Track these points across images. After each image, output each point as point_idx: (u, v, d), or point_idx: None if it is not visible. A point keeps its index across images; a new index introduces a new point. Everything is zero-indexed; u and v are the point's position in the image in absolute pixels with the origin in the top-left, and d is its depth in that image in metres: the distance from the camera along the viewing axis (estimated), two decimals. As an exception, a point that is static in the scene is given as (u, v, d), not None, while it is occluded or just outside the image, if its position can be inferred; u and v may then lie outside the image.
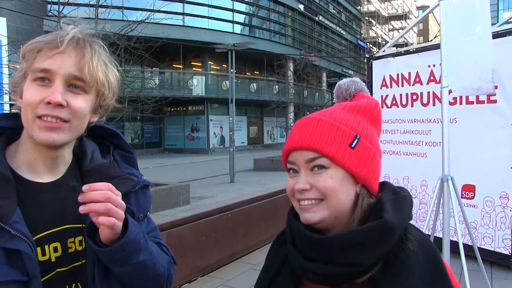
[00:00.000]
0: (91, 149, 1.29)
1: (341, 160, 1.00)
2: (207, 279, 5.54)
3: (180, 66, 32.71)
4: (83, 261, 1.18)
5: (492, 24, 3.95)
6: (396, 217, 0.97)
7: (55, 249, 1.14)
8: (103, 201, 1.04)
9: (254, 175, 17.57)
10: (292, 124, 25.02)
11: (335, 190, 0.99)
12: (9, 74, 6.87)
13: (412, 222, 1.06)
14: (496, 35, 4.56)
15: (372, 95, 1.16)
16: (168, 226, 5.16)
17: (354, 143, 1.02)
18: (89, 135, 1.29)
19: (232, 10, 33.89)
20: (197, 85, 32.08)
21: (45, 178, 1.18)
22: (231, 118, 17.93)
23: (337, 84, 1.19)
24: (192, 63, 35.12)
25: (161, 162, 22.94)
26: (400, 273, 0.95)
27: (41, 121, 1.08)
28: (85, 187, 1.05)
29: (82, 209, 1.04)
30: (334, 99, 1.20)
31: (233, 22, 33.94)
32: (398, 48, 6.94)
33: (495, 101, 5.24)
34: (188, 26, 29.65)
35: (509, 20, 5.96)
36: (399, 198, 1.04)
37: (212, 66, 35.22)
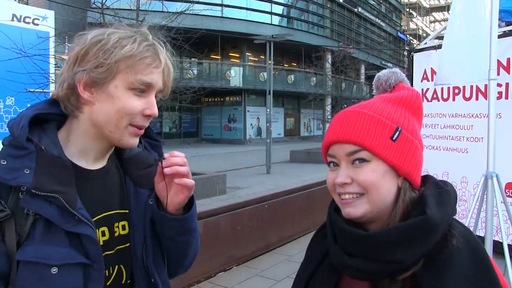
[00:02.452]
0: None
1: (382, 153, 0.98)
2: (242, 268, 5.60)
3: (218, 57, 32.83)
4: (127, 244, 1.24)
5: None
6: (440, 213, 0.95)
7: (103, 233, 1.20)
8: (184, 165, 1.15)
9: (290, 167, 17.50)
10: (329, 117, 24.77)
11: (376, 184, 0.98)
12: (55, 64, 7.10)
13: (452, 219, 1.03)
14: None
15: (412, 88, 1.14)
16: (205, 215, 5.23)
17: (395, 136, 1.00)
18: None
19: (270, 1, 33.61)
20: (235, 76, 32.18)
21: (94, 165, 1.24)
22: (268, 110, 17.88)
23: (376, 76, 1.17)
24: (230, 54, 35.20)
25: (198, 152, 23.16)
26: (443, 270, 0.92)
27: (133, 128, 1.17)
28: (166, 154, 1.17)
29: (167, 170, 1.16)
30: (374, 91, 1.18)
31: (271, 13, 33.73)
32: (440, 40, 6.73)
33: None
34: (227, 17, 29.73)
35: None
36: (443, 193, 1.01)
37: (250, 58, 35.19)
